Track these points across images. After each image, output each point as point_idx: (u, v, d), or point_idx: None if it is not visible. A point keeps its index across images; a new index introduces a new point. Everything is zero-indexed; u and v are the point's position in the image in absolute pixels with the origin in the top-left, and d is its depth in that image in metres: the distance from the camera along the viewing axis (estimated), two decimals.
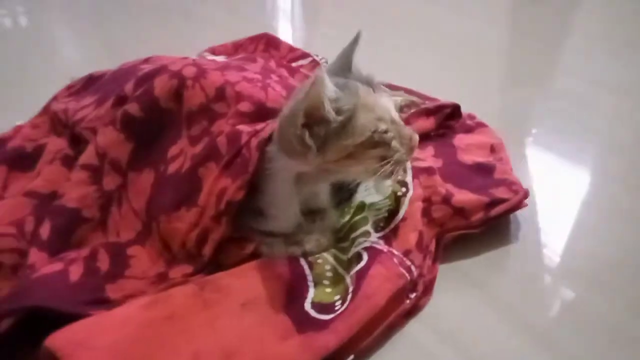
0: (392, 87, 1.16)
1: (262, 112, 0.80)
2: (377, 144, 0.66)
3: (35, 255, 0.68)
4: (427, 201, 0.79)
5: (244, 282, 0.68)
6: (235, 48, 1.30)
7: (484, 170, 0.87)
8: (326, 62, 1.24)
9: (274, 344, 0.58)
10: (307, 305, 0.65)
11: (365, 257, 0.70)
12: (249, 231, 0.76)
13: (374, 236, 0.73)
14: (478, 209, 0.80)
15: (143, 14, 1.85)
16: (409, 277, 0.69)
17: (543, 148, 1.09)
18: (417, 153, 0.85)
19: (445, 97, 1.05)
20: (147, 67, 0.92)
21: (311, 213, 0.79)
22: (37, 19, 1.91)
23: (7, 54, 1.58)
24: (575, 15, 1.92)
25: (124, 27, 1.75)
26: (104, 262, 0.71)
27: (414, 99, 1.07)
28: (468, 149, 0.94)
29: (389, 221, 0.76)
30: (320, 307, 0.65)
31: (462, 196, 0.80)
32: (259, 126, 0.75)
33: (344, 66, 0.72)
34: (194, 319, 0.61)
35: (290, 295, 0.66)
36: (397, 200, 0.78)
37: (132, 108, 0.82)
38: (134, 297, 0.66)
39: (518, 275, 0.77)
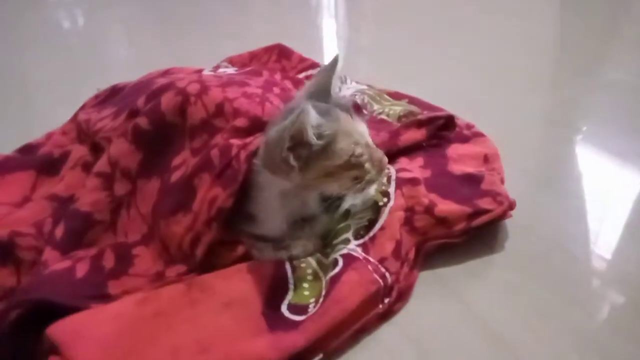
0: (396, 96, 1.20)
1: (258, 126, 0.86)
2: (352, 165, 0.74)
3: (48, 253, 0.78)
4: (410, 211, 0.83)
5: (229, 283, 0.74)
6: (251, 58, 1.37)
7: (472, 180, 0.90)
8: None
9: (245, 341, 0.64)
10: (284, 307, 0.71)
11: (340, 263, 0.74)
12: (240, 234, 0.82)
13: (353, 243, 0.78)
14: (460, 219, 0.82)
15: (193, 16, 1.95)
16: (382, 284, 0.73)
17: (593, 146, 1.12)
18: (404, 164, 0.89)
19: (492, 97, 1.07)
20: (159, 82, 1.00)
21: (302, 219, 0.84)
22: (94, 21, 2.06)
23: (65, 54, 1.72)
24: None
25: (177, 28, 1.87)
26: (109, 261, 0.80)
27: (413, 108, 1.10)
28: (460, 159, 0.97)
29: (368, 230, 0.80)
30: (295, 308, 0.70)
31: (445, 206, 0.83)
32: (249, 139, 0.81)
33: (323, 92, 0.79)
34: (178, 315, 0.68)
35: (269, 296, 0.72)
36: (377, 210, 0.82)
37: (142, 122, 0.90)
38: (131, 293, 0.74)
39: (497, 285, 0.80)
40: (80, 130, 1.06)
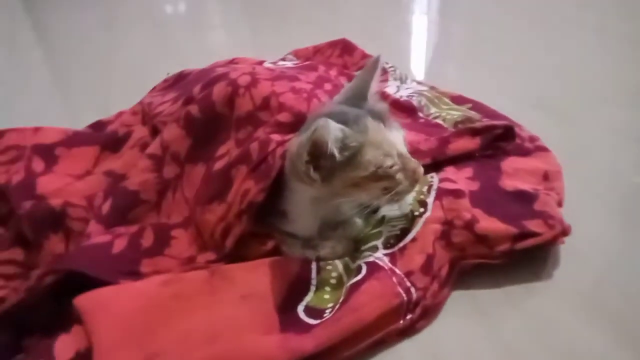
0: (459, 100, 1.14)
1: (302, 122, 0.85)
2: (380, 177, 0.72)
3: (93, 226, 0.83)
4: (448, 224, 0.78)
5: (252, 275, 0.74)
6: (315, 52, 1.37)
7: (524, 198, 0.83)
8: (394, 70, 1.25)
9: (255, 337, 0.64)
10: (300, 307, 0.70)
11: (363, 271, 0.72)
12: (272, 229, 0.82)
13: (381, 252, 0.75)
14: (504, 239, 0.76)
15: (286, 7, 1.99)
16: (406, 298, 0.70)
17: None
18: (450, 173, 0.84)
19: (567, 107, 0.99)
20: (218, 71, 1.03)
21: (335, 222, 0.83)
22: (195, 6, 2.17)
23: (166, 38, 1.83)
24: None
25: (271, 20, 1.93)
26: (148, 239, 0.83)
27: (472, 115, 1.04)
28: (516, 174, 0.89)
29: (399, 239, 0.76)
30: (312, 311, 0.69)
31: (489, 224, 0.78)
32: (289, 136, 0.81)
33: (359, 95, 0.78)
34: (196, 301, 0.70)
35: (289, 294, 0.72)
36: (412, 219, 0.78)
37: (194, 109, 0.93)
38: (161, 273, 0.77)
39: (536, 318, 0.73)
40: (144, 112, 1.12)
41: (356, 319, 0.66)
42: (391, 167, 0.72)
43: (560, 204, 0.85)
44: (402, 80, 1.22)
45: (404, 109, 1.08)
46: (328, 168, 0.71)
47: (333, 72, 1.12)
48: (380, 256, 0.74)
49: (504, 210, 0.81)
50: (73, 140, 1.07)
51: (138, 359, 0.61)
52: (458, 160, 0.90)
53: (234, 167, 0.83)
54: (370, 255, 0.75)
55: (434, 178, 0.85)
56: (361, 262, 0.74)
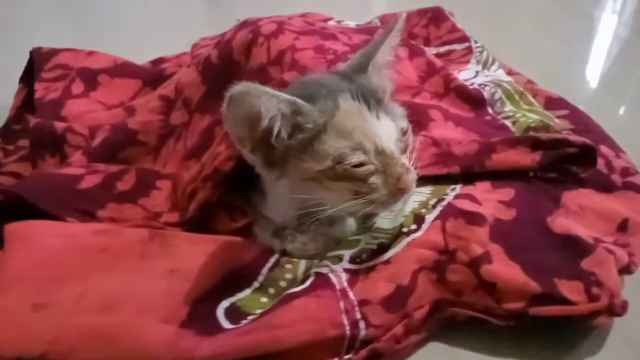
0: (554, 104, 0.87)
1: None
2: (341, 177, 0.55)
3: (76, 157, 0.79)
4: (446, 254, 0.59)
5: (192, 249, 0.64)
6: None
7: (573, 248, 0.59)
8: (480, 52, 1.01)
9: (151, 322, 0.54)
10: (225, 303, 0.58)
11: (308, 281, 0.57)
12: (248, 205, 0.71)
13: (342, 265, 0.59)
14: (518, 295, 0.55)
15: None
16: (349, 332, 0.54)
17: None
18: (476, 190, 0.64)
19: None
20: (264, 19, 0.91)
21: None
22: None
23: None
24: None
25: None
26: (126, 183, 0.77)
27: (557, 123, 0.78)
28: (580, 213, 0.65)
29: (372, 256, 0.59)
30: (235, 312, 0.57)
31: (503, 268, 0.57)
32: None
33: (361, 65, 0.61)
34: (122, 261, 0.62)
35: (221, 284, 0.60)
36: (397, 236, 0.60)
37: (213, 54, 0.84)
38: (117, 222, 0.70)
39: None
40: (191, 53, 1.06)
41: (271, 338, 0.52)
42: (359, 165, 0.55)
43: (629, 270, 0.60)
44: (487, 64, 0.98)
45: (470, 100, 0.85)
46: (283, 152, 0.57)
47: None
48: (338, 270, 0.58)
49: (536, 256, 0.58)
50: (119, 70, 1.05)
51: (25, 303, 0.55)
52: (501, 176, 0.67)
53: (218, 124, 0.72)
54: (327, 266, 0.59)
55: (454, 190, 0.65)
56: (313, 270, 0.59)
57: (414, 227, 0.60)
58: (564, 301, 0.54)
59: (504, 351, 0.57)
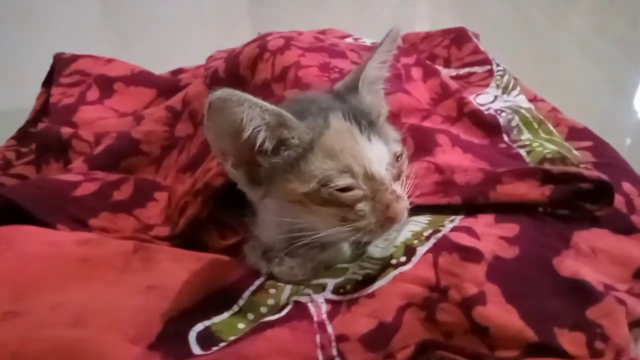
0: (577, 135, 0.82)
1: None
2: (327, 201, 0.52)
3: (77, 163, 0.79)
4: (437, 291, 0.54)
5: (174, 267, 0.62)
6: (424, 38, 1.15)
7: (580, 294, 0.54)
8: (501, 75, 0.96)
9: (118, 341, 0.51)
10: (198, 327, 0.55)
11: (286, 310, 0.54)
12: (239, 224, 0.68)
13: (324, 295, 0.55)
14: (512, 343, 0.50)
15: None
16: None
17: None
18: (477, 223, 0.60)
19: None
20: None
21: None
22: None
23: None
24: None
25: None
26: (123, 192, 0.76)
27: (575, 155, 0.72)
28: (592, 255, 0.59)
29: (356, 288, 0.55)
30: (207, 337, 0.54)
31: (498, 312, 0.52)
32: None
33: (352, 82, 0.59)
34: (103, 273, 0.60)
35: (199, 305, 0.57)
36: (384, 268, 0.56)
37: (221, 67, 0.83)
38: (107, 232, 0.69)
39: None
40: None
41: None
42: (346, 190, 0.52)
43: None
44: (507, 89, 0.93)
45: (484, 126, 0.80)
46: (267, 170, 0.54)
47: (409, 60, 0.89)
48: (319, 300, 0.55)
49: (537, 301, 0.53)
50: (135, 78, 1.05)
51: None
52: (507, 210, 0.63)
53: None
54: (307, 295, 0.56)
55: (453, 222, 0.61)
56: (293, 298, 0.56)
57: (403, 259, 0.56)
58: (563, 354, 0.49)
59: None
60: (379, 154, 0.54)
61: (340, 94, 0.59)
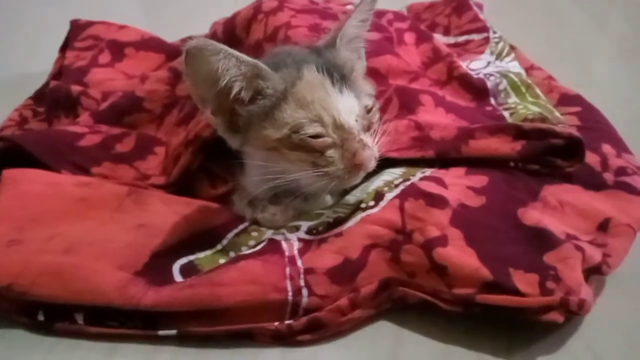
0: (571, 101, 0.83)
1: None
2: (297, 146, 0.56)
3: (84, 117, 0.85)
4: (402, 234, 0.57)
5: (164, 209, 0.67)
6: (426, 7, 1.16)
7: (540, 241, 0.56)
8: (496, 42, 0.97)
9: (106, 266, 0.57)
10: (182, 260, 0.60)
11: (260, 246, 0.58)
12: (229, 175, 0.73)
13: (297, 234, 0.59)
14: (468, 281, 0.54)
15: None
16: (291, 299, 0.54)
17: None
18: (447, 174, 0.62)
19: None
20: None
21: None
22: None
23: None
24: None
25: None
26: (125, 145, 0.81)
27: (555, 117, 0.73)
28: (559, 208, 0.61)
29: (327, 229, 0.59)
30: (189, 269, 0.59)
31: (456, 253, 0.55)
32: None
33: (331, 39, 0.62)
34: (97, 211, 0.65)
35: (184, 242, 0.62)
36: (354, 211, 0.60)
37: (219, 29, 0.87)
38: (108, 179, 0.74)
39: None
40: None
41: (211, 295, 0.54)
42: (316, 137, 0.55)
43: (600, 271, 0.56)
44: (500, 55, 0.94)
45: (472, 89, 0.82)
46: (245, 118, 0.58)
47: (403, 25, 0.91)
48: (292, 238, 0.59)
49: (497, 246, 0.56)
50: (145, 43, 1.10)
51: (3, 239, 0.60)
52: (480, 164, 0.65)
53: None
54: (282, 234, 0.60)
55: (424, 173, 0.63)
56: (268, 236, 0.60)
57: (372, 203, 0.60)
58: (515, 292, 0.52)
59: (454, 339, 0.55)
60: (348, 105, 0.57)
61: (317, 49, 0.62)
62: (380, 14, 0.93)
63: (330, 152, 0.56)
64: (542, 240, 0.56)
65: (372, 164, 0.57)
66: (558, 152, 0.64)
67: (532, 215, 0.59)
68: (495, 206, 0.60)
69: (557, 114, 0.75)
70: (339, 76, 0.58)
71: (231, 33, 0.84)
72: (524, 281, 0.52)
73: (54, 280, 0.55)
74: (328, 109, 0.56)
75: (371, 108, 0.60)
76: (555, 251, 0.54)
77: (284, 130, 0.56)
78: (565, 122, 0.73)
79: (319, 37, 0.75)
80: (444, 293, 0.54)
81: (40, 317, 0.56)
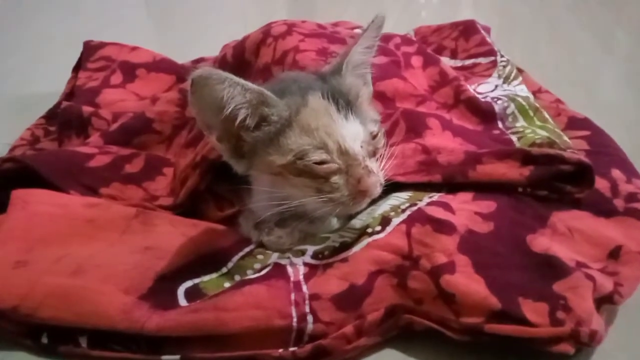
0: (579, 125, 0.82)
1: None
2: (302, 172, 0.56)
3: (94, 138, 0.86)
4: (409, 260, 0.57)
5: (171, 231, 0.67)
6: (434, 30, 1.17)
7: (550, 269, 0.55)
8: (504, 66, 0.97)
9: (112, 290, 0.56)
10: (187, 283, 0.59)
11: (265, 270, 0.58)
12: (235, 197, 0.73)
13: (303, 259, 0.59)
14: (477, 310, 0.53)
15: None
16: (296, 325, 0.54)
17: None
18: (455, 199, 0.62)
19: None
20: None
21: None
22: None
23: None
24: None
25: None
26: (134, 166, 0.81)
27: (564, 142, 0.73)
28: (568, 234, 0.61)
29: (332, 254, 0.59)
30: (194, 293, 0.58)
31: (464, 281, 0.54)
32: None
33: (337, 66, 0.62)
34: (105, 233, 0.66)
35: (190, 265, 0.62)
36: (360, 236, 0.59)
37: (229, 53, 0.88)
38: (117, 200, 0.75)
39: None
40: None
41: (216, 320, 0.53)
42: (320, 163, 0.56)
43: (612, 300, 0.55)
44: (508, 79, 0.94)
45: (479, 112, 0.82)
46: (249, 143, 0.58)
47: (408, 49, 0.92)
48: (298, 263, 0.59)
49: (505, 273, 0.55)
50: (156, 65, 1.12)
51: (11, 259, 0.60)
52: (487, 189, 0.65)
53: None
54: (287, 258, 0.60)
55: (431, 198, 0.63)
56: (273, 260, 0.60)
57: (378, 228, 0.59)
58: (524, 322, 0.51)
59: None
60: (354, 131, 0.57)
61: (323, 75, 0.62)
62: (387, 37, 0.94)
63: (335, 179, 0.56)
64: (552, 268, 0.55)
65: (377, 190, 0.57)
66: (567, 177, 0.64)
67: (541, 242, 0.58)
68: (504, 232, 0.59)
69: (565, 138, 0.75)
70: (345, 102, 0.58)
71: (240, 56, 0.85)
72: (534, 311, 0.51)
73: (60, 303, 0.55)
74: (333, 136, 0.56)
75: (376, 134, 0.60)
76: (565, 280, 0.54)
77: (288, 157, 0.56)
78: (573, 147, 0.73)
79: (327, 61, 0.76)
80: (452, 321, 0.53)
81: (44, 340, 0.56)
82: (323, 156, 0.56)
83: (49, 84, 1.21)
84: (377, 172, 0.57)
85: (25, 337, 0.57)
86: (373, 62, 0.66)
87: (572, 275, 0.54)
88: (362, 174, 0.55)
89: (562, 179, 0.64)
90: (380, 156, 0.61)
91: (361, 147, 0.57)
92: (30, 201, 0.68)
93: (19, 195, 0.69)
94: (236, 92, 0.55)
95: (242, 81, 0.55)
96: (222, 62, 0.88)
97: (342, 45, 0.81)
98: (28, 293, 0.56)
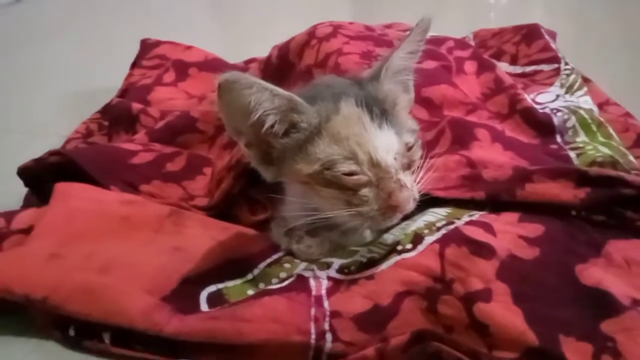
0: None
1: None
2: (330, 183, 0.53)
3: (140, 135, 0.87)
4: (441, 283, 0.53)
5: (201, 233, 0.67)
6: (494, 34, 1.10)
7: (599, 305, 0.49)
8: (567, 74, 0.89)
9: (136, 290, 0.57)
10: (210, 288, 0.59)
11: (287, 282, 0.56)
12: (269, 202, 0.72)
13: (327, 272, 0.56)
14: (511, 345, 0.48)
15: None
16: (314, 343, 0.51)
17: None
18: (498, 221, 0.57)
19: None
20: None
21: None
22: None
23: None
24: None
25: None
26: (176, 164, 0.82)
27: (629, 160, 0.65)
28: (624, 266, 0.54)
29: (359, 269, 0.56)
30: (216, 298, 0.58)
31: (501, 311, 0.49)
32: None
33: (376, 71, 0.59)
34: (138, 230, 0.66)
35: (216, 269, 0.61)
36: (389, 253, 0.56)
37: (274, 54, 0.87)
38: (153, 198, 0.76)
39: None
40: None
41: (233, 329, 0.52)
42: (349, 174, 0.52)
43: None
44: (571, 89, 0.86)
45: (536, 125, 0.75)
46: (279, 150, 0.56)
47: (462, 53, 0.86)
48: (322, 276, 0.56)
49: (548, 307, 0.50)
50: (207, 64, 1.13)
51: (45, 252, 0.62)
52: (536, 210, 0.59)
53: None
54: (311, 270, 0.57)
55: (471, 217, 0.58)
56: (297, 271, 0.58)
57: (409, 246, 0.55)
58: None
59: None
60: (387, 141, 0.54)
61: (360, 81, 0.59)
62: (440, 41, 0.89)
63: (364, 191, 0.53)
64: (602, 304, 0.49)
65: (410, 206, 0.53)
66: (628, 202, 0.57)
67: (593, 273, 0.52)
68: (550, 260, 0.54)
69: (631, 157, 0.67)
70: (380, 111, 0.54)
71: (285, 58, 0.84)
72: (575, 351, 0.46)
73: (85, 298, 0.56)
74: (363, 146, 0.53)
75: (412, 145, 0.56)
76: (617, 319, 0.48)
77: (315, 166, 0.54)
78: (638, 168, 0.65)
79: (371, 65, 0.73)
80: (484, 355, 0.49)
81: (71, 333, 0.57)
82: (352, 167, 0.53)
83: (110, 79, 1.26)
84: (411, 187, 0.53)
85: (55, 328, 0.58)
86: (420, 67, 0.62)
87: (626, 314, 0.48)
88: (394, 188, 0.52)
89: (623, 204, 0.57)
90: (417, 169, 0.57)
91: (395, 159, 0.54)
92: (71, 195, 0.70)
93: (61, 188, 0.71)
94: (264, 98, 0.53)
95: (270, 86, 0.53)
96: (267, 64, 0.87)
97: (389, 48, 0.78)
98: (57, 286, 0.57)
